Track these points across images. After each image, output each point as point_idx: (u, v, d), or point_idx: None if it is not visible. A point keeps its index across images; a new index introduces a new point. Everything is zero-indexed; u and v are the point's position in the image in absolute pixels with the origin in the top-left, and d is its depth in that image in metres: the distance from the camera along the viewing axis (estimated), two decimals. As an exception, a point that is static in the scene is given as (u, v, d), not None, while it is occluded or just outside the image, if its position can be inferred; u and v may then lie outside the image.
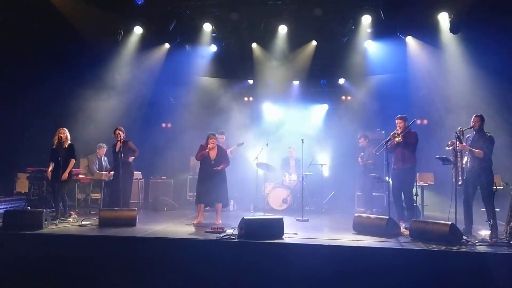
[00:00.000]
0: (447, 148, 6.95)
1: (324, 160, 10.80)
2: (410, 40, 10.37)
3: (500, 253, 5.42)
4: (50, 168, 8.04)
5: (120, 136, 8.38)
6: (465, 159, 6.86)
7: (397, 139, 7.47)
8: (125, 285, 5.82)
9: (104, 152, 9.59)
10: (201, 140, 10.39)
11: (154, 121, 12.48)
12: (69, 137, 8.07)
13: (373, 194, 9.62)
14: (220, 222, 7.71)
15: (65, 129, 8.09)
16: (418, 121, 10.40)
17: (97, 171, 9.30)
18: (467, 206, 6.80)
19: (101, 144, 9.54)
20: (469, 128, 6.84)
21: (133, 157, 8.64)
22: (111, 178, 8.68)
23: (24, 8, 9.37)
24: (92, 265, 5.89)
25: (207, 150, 7.86)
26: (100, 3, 9.47)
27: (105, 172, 9.12)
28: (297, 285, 5.53)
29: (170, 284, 5.77)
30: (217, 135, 8.41)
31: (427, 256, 5.49)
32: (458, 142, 6.67)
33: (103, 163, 9.60)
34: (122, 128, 8.54)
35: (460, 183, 6.76)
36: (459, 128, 6.86)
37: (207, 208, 8.34)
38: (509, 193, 6.46)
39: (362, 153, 9.76)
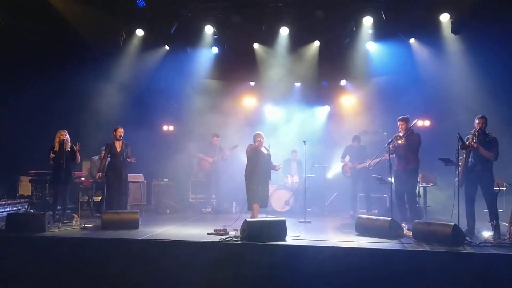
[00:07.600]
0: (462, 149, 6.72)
1: (326, 162, 10.78)
2: (412, 41, 10.39)
3: (503, 254, 5.40)
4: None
5: (122, 136, 8.23)
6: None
7: (399, 141, 7.41)
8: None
9: None
10: (203, 143, 10.52)
11: (156, 123, 12.51)
12: (69, 140, 7.96)
13: (371, 195, 9.68)
14: None
15: (65, 131, 7.97)
16: (420, 122, 10.41)
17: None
18: (469, 206, 6.78)
19: None
20: (477, 130, 6.67)
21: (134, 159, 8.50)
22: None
23: (25, 12, 9.40)
24: (95, 267, 5.89)
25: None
26: (101, 7, 9.48)
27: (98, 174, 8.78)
28: (300, 287, 5.53)
29: (173, 286, 5.76)
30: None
31: (430, 258, 5.47)
32: (461, 143, 6.62)
33: None
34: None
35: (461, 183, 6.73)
36: (472, 130, 6.76)
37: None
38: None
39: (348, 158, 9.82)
